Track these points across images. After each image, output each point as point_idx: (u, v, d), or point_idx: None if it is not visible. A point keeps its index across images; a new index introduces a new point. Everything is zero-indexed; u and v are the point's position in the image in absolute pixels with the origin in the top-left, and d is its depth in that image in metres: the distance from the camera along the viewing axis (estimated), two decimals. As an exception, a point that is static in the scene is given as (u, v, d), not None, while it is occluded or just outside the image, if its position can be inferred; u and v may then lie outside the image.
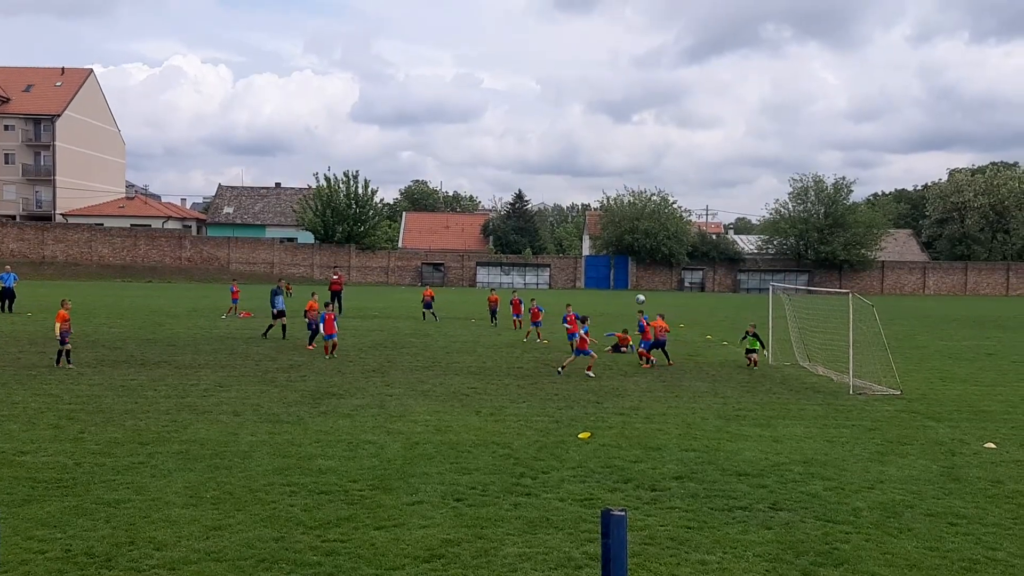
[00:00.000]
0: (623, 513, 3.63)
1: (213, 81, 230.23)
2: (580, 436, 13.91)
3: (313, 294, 29.97)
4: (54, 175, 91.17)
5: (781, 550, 8.67)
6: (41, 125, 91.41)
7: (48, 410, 15.32)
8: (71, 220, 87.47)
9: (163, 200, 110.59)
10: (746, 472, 11.79)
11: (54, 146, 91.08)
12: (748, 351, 23.46)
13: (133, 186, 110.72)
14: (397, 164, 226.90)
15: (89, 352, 23.46)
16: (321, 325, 23.81)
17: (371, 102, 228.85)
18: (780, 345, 25.02)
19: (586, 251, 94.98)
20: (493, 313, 35.96)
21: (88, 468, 11.34)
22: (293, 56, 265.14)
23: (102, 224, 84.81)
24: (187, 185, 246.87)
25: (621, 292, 77.94)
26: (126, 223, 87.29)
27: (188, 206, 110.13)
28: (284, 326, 28.23)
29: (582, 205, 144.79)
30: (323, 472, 11.37)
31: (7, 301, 36.56)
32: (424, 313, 37.05)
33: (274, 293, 28.82)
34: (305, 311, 27.73)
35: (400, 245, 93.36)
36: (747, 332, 23.61)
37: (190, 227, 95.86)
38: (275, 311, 28.22)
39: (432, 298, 37.94)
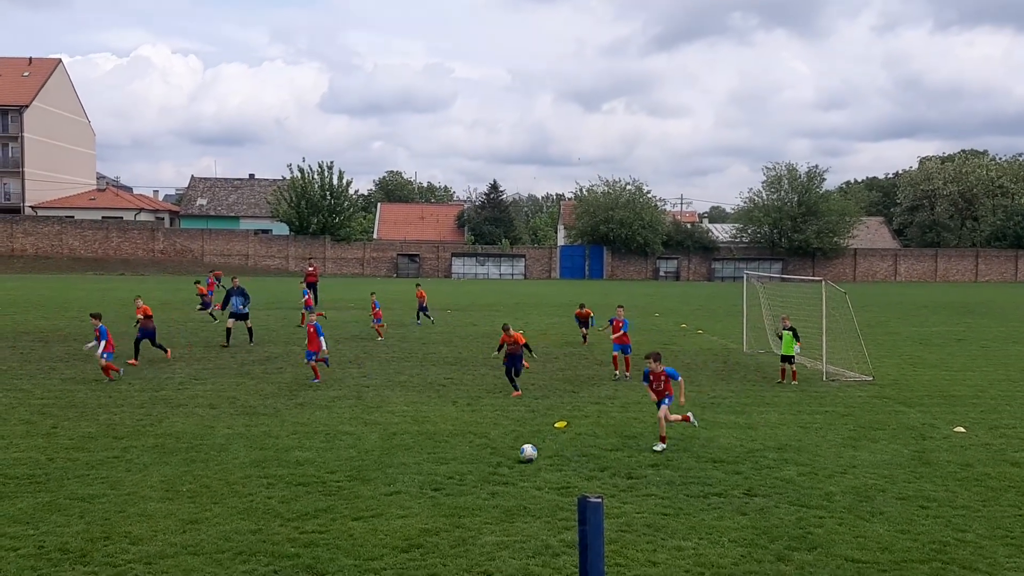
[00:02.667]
0: (600, 500, 3.66)
1: (182, 71, 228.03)
2: (556, 425, 13.97)
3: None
4: (22, 167, 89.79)
5: (756, 535, 8.77)
6: (8, 116, 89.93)
7: (19, 405, 15.17)
8: (40, 213, 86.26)
9: (135, 192, 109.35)
10: (721, 459, 11.90)
11: (22, 137, 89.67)
12: (784, 358, 19.13)
13: (104, 178, 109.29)
14: (368, 155, 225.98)
15: (61, 347, 23.20)
16: (319, 337, 18.24)
17: (340, 92, 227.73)
18: (755, 333, 25.23)
19: (561, 241, 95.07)
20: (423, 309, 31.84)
21: (61, 463, 11.25)
22: (262, 46, 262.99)
23: (72, 216, 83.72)
24: (157, 176, 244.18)
25: (596, 282, 78.15)
26: (97, 215, 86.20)
27: (161, 198, 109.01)
28: (250, 329, 24.79)
29: (556, 195, 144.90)
30: (300, 464, 11.35)
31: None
32: (419, 315, 31.50)
33: (230, 293, 25.60)
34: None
35: (375, 236, 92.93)
36: (782, 327, 19.49)
37: (163, 219, 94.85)
38: (233, 312, 24.85)
39: (425, 299, 32.09)
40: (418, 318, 31.67)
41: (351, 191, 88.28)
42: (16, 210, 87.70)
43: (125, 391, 16.71)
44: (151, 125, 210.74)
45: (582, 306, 26.32)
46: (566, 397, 16.80)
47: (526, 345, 17.47)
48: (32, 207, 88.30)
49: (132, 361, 19.81)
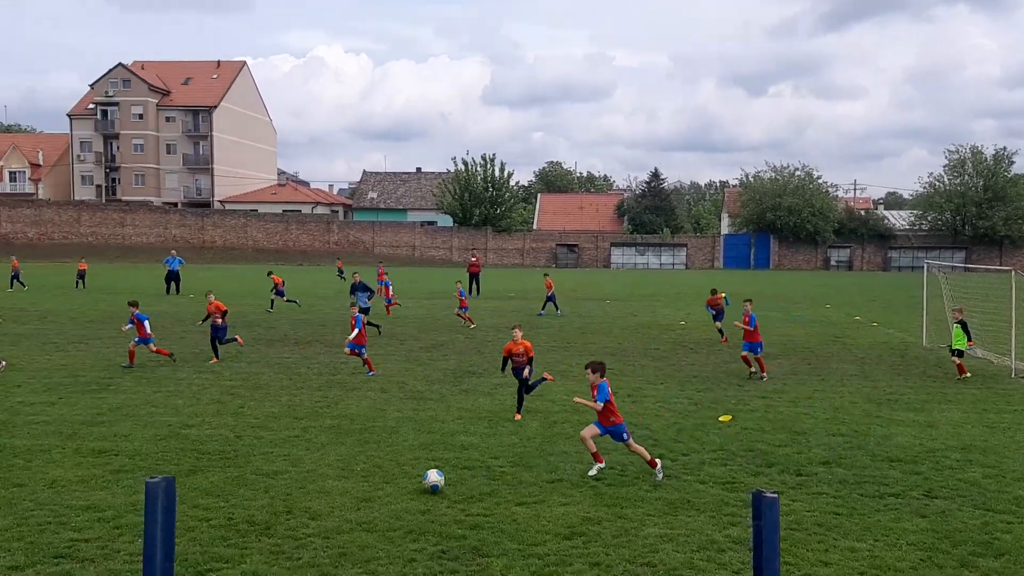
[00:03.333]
0: (776, 496, 3.57)
1: (353, 70, 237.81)
2: (721, 419, 13.68)
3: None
4: (212, 164, 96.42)
5: (937, 539, 8.29)
6: (199, 116, 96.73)
7: (211, 386, 16.33)
8: (228, 207, 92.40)
9: (312, 187, 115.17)
10: (898, 458, 11.31)
11: (212, 136, 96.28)
12: (953, 351, 18.20)
13: (284, 173, 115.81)
14: (528, 146, 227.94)
15: (247, 332, 24.77)
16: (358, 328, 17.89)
17: (501, 85, 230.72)
18: (936, 326, 23.78)
19: (725, 230, 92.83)
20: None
21: (248, 441, 12.04)
22: (427, 42, 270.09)
23: (256, 210, 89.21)
24: (332, 171, 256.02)
25: (762, 272, 75.77)
26: (278, 209, 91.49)
27: (335, 192, 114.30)
28: (377, 326, 24.76)
29: (720, 182, 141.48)
30: (465, 448, 11.66)
31: (174, 283, 39.10)
32: (545, 304, 30.68)
33: (355, 288, 25.87)
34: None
35: (535, 227, 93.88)
36: (954, 319, 18.61)
37: (337, 212, 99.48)
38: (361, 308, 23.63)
39: (552, 289, 30.86)
40: (543, 308, 30.74)
41: (512, 182, 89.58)
42: (206, 204, 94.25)
43: (304, 375, 17.68)
44: (325, 122, 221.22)
45: (714, 292, 24.22)
46: (731, 390, 16.42)
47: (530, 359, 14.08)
48: (220, 201, 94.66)
49: (214, 360, 19.22)
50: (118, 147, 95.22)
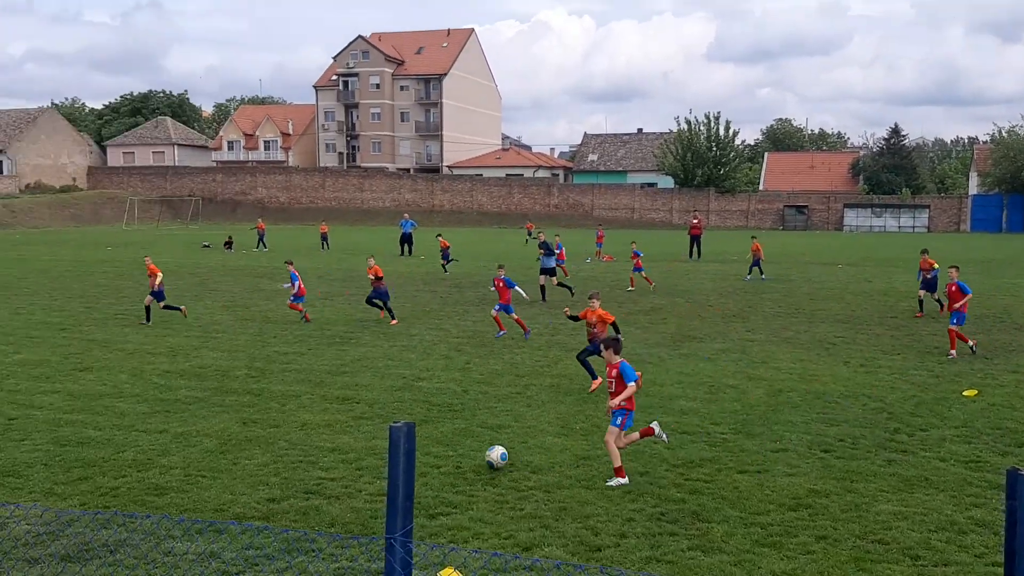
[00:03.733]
0: (1030, 475, 3.28)
1: (576, 32, 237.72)
2: (965, 393, 12.68)
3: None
4: (441, 130, 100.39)
5: None
6: (430, 84, 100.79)
7: (440, 342, 17.18)
8: (455, 172, 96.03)
9: (533, 150, 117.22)
10: None
11: (441, 103, 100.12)
12: None
13: (508, 138, 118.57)
14: (754, 103, 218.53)
15: (472, 292, 25.78)
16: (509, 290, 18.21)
17: (726, 40, 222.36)
18: None
19: (973, 190, 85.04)
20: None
21: (474, 395, 12.59)
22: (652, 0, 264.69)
23: (481, 175, 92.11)
24: (553, 134, 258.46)
25: (1016, 236, 68.89)
26: (502, 173, 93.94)
27: (555, 155, 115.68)
28: (558, 284, 24.88)
29: (968, 139, 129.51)
30: (684, 413, 11.56)
31: (407, 245, 41.33)
32: (750, 269, 29.72)
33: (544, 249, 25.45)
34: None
35: (761, 187, 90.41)
36: None
37: (558, 175, 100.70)
38: (544, 268, 24.81)
39: (760, 252, 29.86)
40: (749, 273, 29.76)
41: (737, 141, 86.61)
42: (436, 170, 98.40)
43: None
44: (548, 85, 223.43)
45: (925, 252, 21.81)
46: (977, 363, 15.15)
47: (614, 325, 13.17)
48: (448, 167, 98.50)
49: (383, 314, 19.96)
50: (357, 116, 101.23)
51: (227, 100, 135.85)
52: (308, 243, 48.23)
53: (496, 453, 9.13)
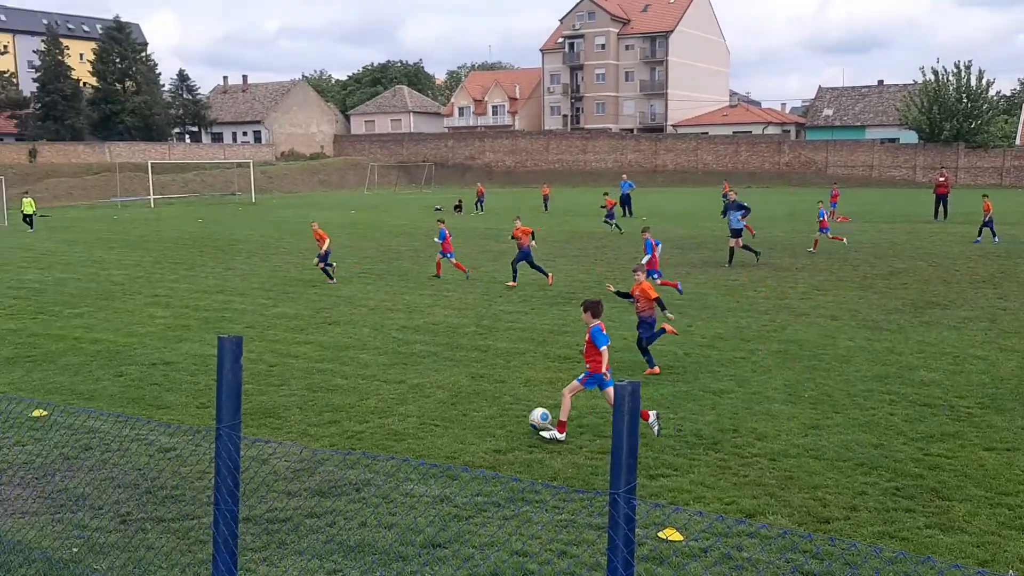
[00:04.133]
0: None
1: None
2: None
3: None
4: (666, 89, 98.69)
5: None
6: (656, 42, 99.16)
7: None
8: (680, 131, 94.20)
9: (763, 106, 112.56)
10: None
11: (667, 61, 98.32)
12: None
13: (735, 94, 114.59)
14: (1012, 51, 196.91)
15: (695, 254, 25.36)
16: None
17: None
18: None
19: None
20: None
21: (696, 358, 12.46)
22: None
23: (707, 133, 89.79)
24: (784, 89, 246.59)
25: None
26: (728, 131, 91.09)
27: (787, 110, 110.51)
28: (745, 247, 23.16)
29: None
30: (926, 384, 10.84)
31: (626, 207, 41.22)
32: (980, 230, 27.38)
33: (728, 208, 23.91)
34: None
35: (1018, 142, 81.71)
36: None
37: (789, 132, 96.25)
38: (732, 229, 23.16)
39: (991, 211, 27.10)
40: (979, 234, 27.26)
41: (991, 92, 78.66)
42: (660, 129, 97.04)
43: (751, 298, 17.68)
44: (779, 38, 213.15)
45: None
46: None
47: (658, 301, 11.87)
48: (673, 126, 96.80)
49: (511, 283, 19.73)
50: (582, 78, 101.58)
51: (458, 67, 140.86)
52: (530, 205, 49.23)
53: (537, 414, 9.08)
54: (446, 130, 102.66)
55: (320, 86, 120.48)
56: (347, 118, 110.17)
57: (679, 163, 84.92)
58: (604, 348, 8.98)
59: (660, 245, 18.58)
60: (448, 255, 21.01)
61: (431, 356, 12.81)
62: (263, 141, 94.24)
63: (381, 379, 11.50)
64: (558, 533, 6.59)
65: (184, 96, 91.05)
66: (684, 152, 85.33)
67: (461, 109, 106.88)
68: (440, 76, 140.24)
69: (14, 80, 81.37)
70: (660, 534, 6.55)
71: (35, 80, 79.75)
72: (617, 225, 32.83)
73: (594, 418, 9.60)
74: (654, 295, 11.77)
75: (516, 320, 15.61)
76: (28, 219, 37.16)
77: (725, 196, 45.76)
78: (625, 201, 41.32)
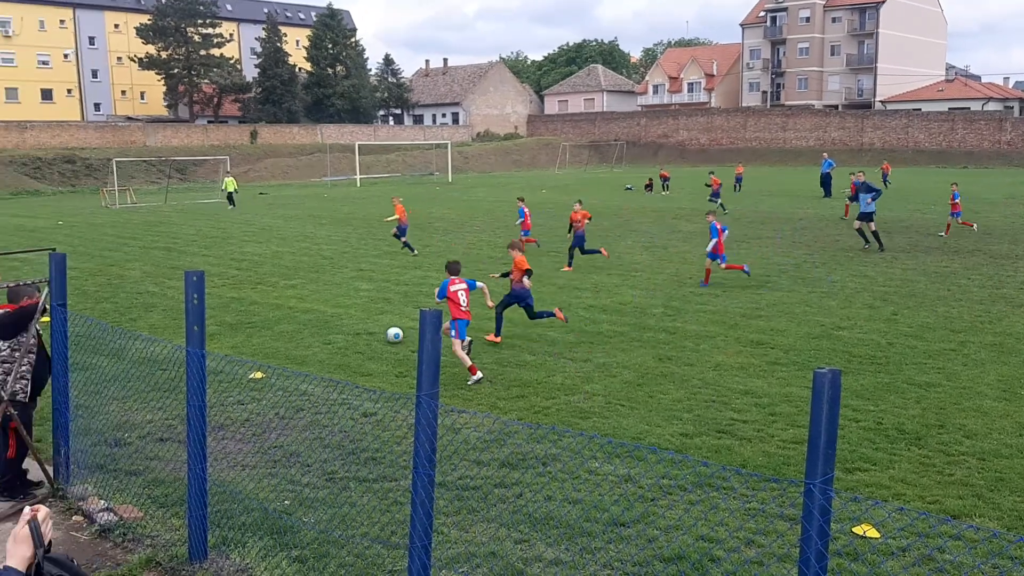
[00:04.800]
0: None
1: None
2: None
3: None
4: (875, 63, 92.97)
5: None
6: (865, 14, 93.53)
7: (864, 290, 16.25)
8: (889, 107, 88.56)
9: (983, 81, 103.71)
10: None
11: (877, 34, 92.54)
12: None
13: (952, 68, 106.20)
14: None
15: (902, 237, 23.90)
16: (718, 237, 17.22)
17: None
18: None
19: None
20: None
21: (900, 349, 11.79)
22: None
23: (919, 109, 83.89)
24: (1008, 62, 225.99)
25: None
26: (943, 107, 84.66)
27: (1010, 85, 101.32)
28: (875, 232, 21.49)
29: None
30: None
31: (825, 188, 39.31)
32: None
33: (860, 191, 22.24)
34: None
35: None
36: None
37: (1012, 108, 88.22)
38: (862, 212, 21.78)
39: None
40: None
41: None
42: (867, 106, 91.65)
43: (964, 286, 16.50)
44: (1002, 8, 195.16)
45: None
46: None
47: (528, 271, 12.53)
48: (881, 102, 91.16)
49: (566, 268, 19.53)
50: (784, 52, 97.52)
51: (654, 44, 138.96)
52: (723, 185, 47.85)
53: (390, 333, 12.08)
54: (639, 108, 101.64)
55: (516, 67, 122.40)
56: (541, 98, 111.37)
57: (887, 141, 79.87)
58: (440, 300, 11.32)
59: (727, 231, 17.96)
60: (525, 232, 22.44)
61: (618, 336, 12.84)
62: (460, 122, 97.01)
63: (568, 356, 11.66)
64: (746, 521, 6.49)
65: (389, 80, 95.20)
66: (893, 130, 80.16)
67: (655, 87, 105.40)
68: (635, 54, 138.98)
69: (238, 66, 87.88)
70: (855, 529, 6.31)
71: (256, 66, 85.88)
72: (722, 204, 32.54)
73: (788, 406, 9.32)
74: (525, 266, 12.52)
75: (706, 302, 15.34)
76: (230, 197, 40.13)
77: (885, 177, 42.70)
78: (825, 181, 39.43)
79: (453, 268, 11.44)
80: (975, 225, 24.83)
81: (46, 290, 7.12)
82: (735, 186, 45.04)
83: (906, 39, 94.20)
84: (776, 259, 20.40)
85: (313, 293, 16.98)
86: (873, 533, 6.24)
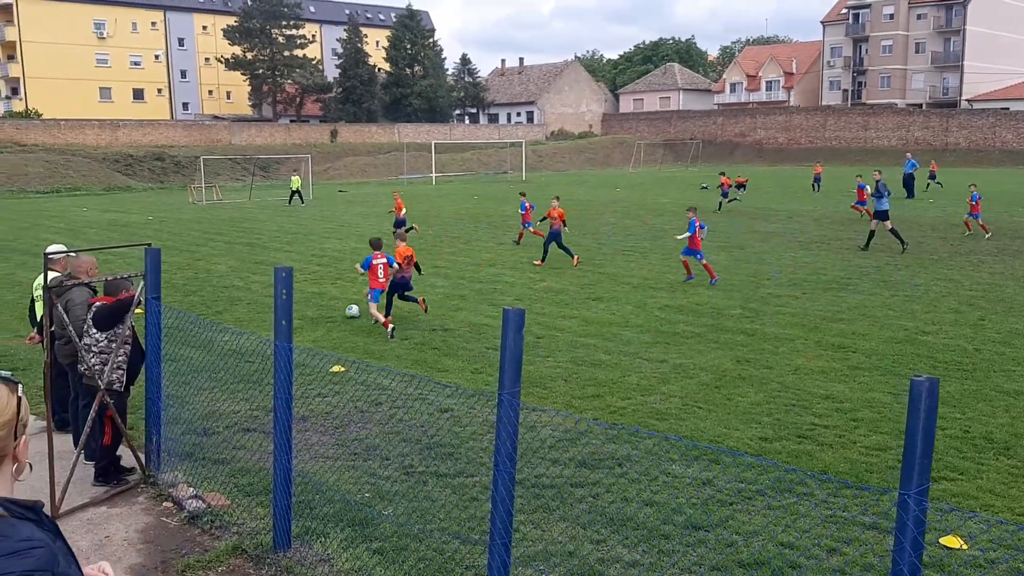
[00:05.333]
0: None
1: None
2: None
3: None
4: (962, 60, 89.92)
5: None
6: (952, 10, 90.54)
7: (949, 295, 15.77)
8: (976, 106, 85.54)
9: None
10: None
11: (964, 31, 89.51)
12: None
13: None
14: None
15: (991, 241, 23.11)
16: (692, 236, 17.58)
17: None
18: None
19: None
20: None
21: (987, 355, 11.42)
22: None
23: (1007, 108, 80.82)
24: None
25: None
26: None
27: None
28: (893, 231, 21.33)
29: None
30: None
31: (908, 189, 38.20)
32: None
33: (880, 191, 21.70)
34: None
35: None
36: None
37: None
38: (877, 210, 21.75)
39: None
40: None
41: None
42: (952, 104, 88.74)
43: (1058, 292, 15.89)
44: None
45: None
46: None
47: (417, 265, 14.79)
48: (968, 100, 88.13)
49: (538, 263, 20.02)
50: (866, 50, 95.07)
51: (732, 42, 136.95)
52: (801, 185, 46.93)
53: (351, 309, 14.16)
54: (715, 107, 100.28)
55: (592, 66, 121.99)
56: (616, 96, 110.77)
57: (973, 141, 77.19)
58: (364, 271, 13.58)
59: (706, 228, 18.14)
60: (526, 224, 23.26)
61: (695, 337, 12.73)
62: (535, 121, 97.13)
63: (643, 357, 11.61)
64: (829, 529, 6.38)
65: (465, 79, 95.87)
66: (979, 129, 77.41)
67: (733, 85, 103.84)
68: (713, 52, 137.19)
69: (320, 67, 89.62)
70: (942, 540, 6.15)
71: (337, 66, 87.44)
72: (734, 199, 33.84)
73: (870, 412, 9.12)
74: (410, 251, 14.00)
75: (785, 304, 15.08)
76: (295, 194, 40.87)
77: (817, 179, 41.71)
78: (907, 181, 38.35)
79: (376, 244, 13.81)
80: (987, 230, 24.05)
81: (141, 283, 7.41)
82: (813, 186, 44.10)
83: (995, 36, 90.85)
84: (857, 261, 19.94)
85: (390, 290, 17.23)
86: (960, 545, 6.07)
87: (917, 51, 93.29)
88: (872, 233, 21.84)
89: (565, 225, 20.89)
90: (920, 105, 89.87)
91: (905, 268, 18.78)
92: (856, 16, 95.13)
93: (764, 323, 13.60)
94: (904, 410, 8.49)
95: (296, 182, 41.95)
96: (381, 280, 13.30)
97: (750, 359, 11.41)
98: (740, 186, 45.92)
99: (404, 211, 25.75)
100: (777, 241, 23.83)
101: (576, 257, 20.01)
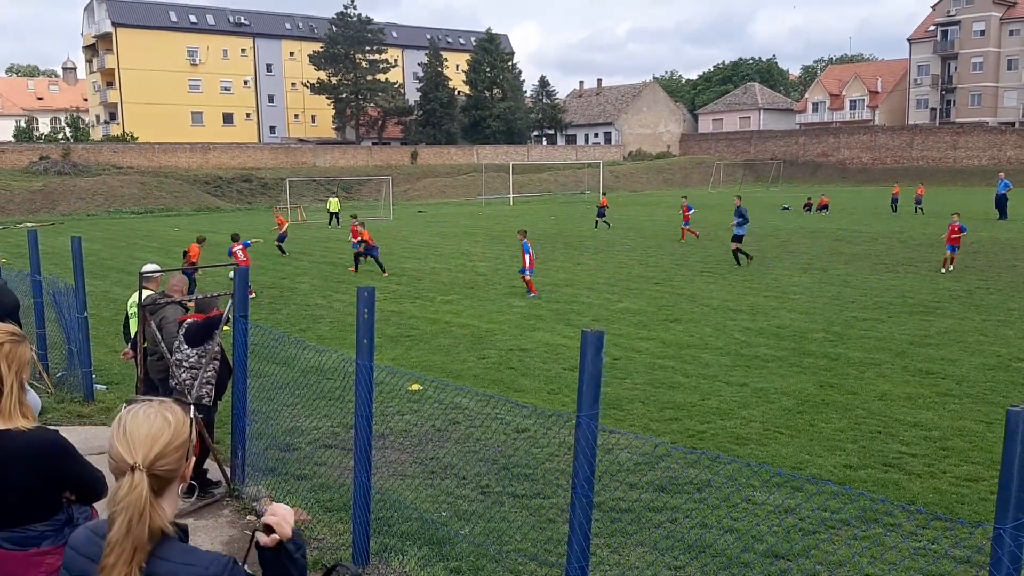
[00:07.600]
0: None
1: None
2: None
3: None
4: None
5: None
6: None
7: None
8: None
9: None
10: None
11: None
12: None
13: None
14: None
15: (1093, 264, 22.10)
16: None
17: None
18: None
19: None
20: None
21: (1090, 385, 10.90)
22: None
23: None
24: None
25: None
26: None
27: None
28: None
29: None
30: None
31: (1001, 210, 36.84)
32: None
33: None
34: None
35: None
36: None
37: None
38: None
39: None
40: None
41: None
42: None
43: None
44: None
45: None
46: None
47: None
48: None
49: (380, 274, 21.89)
50: (955, 68, 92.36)
51: (814, 61, 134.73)
52: (884, 205, 45.67)
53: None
54: (797, 126, 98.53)
55: (670, 86, 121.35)
56: (695, 117, 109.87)
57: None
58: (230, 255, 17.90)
59: (532, 251, 19.00)
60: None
61: (776, 360, 12.48)
62: (612, 142, 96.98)
63: (723, 380, 11.44)
64: (918, 562, 6.16)
65: (543, 101, 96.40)
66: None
67: (815, 104, 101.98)
68: (795, 71, 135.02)
69: (401, 90, 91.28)
70: (1037, 577, 5.88)
71: (418, 90, 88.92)
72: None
73: (960, 441, 8.80)
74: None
75: (871, 328, 14.68)
76: (333, 216, 41.36)
77: (918, 200, 40.23)
78: (1000, 202, 36.98)
79: (235, 237, 20.27)
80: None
81: (230, 302, 7.64)
82: (892, 207, 43.20)
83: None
84: (946, 284, 19.30)
85: (468, 308, 17.38)
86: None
87: (1010, 68, 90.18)
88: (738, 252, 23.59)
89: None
90: (1013, 124, 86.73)
91: (998, 292, 18.10)
92: (945, 33, 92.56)
93: (848, 347, 13.26)
94: (998, 440, 8.20)
95: (334, 204, 42.76)
96: (243, 259, 19.16)
97: (834, 384, 11.14)
98: (823, 207, 45.06)
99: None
100: (861, 264, 23.25)
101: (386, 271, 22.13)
